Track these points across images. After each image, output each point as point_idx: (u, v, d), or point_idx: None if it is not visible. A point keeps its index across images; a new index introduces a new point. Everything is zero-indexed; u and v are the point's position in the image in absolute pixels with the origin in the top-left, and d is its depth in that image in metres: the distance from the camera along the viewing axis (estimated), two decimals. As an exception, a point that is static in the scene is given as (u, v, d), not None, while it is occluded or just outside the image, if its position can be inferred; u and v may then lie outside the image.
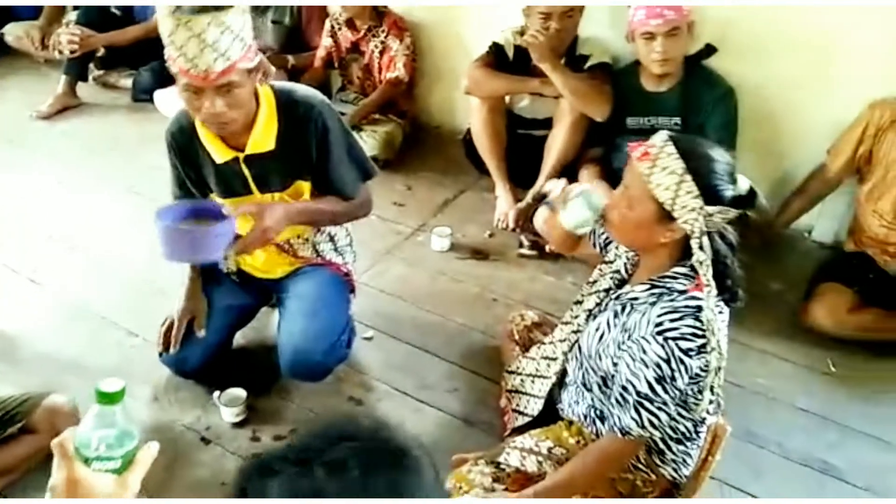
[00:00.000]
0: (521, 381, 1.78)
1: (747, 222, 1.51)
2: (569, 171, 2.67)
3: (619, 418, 1.41)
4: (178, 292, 2.01)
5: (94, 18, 3.65)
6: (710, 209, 1.32)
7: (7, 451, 1.68)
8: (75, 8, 3.98)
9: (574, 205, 1.54)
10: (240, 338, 2.14)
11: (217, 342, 2.00)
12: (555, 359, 1.68)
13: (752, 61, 2.57)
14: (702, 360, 1.33)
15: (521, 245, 2.68)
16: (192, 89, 1.60)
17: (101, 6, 3.81)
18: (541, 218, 2.50)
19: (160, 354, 1.99)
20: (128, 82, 3.82)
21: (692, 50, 2.49)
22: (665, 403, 1.36)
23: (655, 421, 1.38)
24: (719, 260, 1.38)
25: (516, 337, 1.98)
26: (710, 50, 2.50)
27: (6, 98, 3.81)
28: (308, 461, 0.65)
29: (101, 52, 3.78)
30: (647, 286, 1.42)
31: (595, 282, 1.62)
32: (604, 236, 1.65)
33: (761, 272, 2.49)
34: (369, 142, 3.11)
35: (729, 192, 1.34)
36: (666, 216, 1.34)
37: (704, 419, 1.47)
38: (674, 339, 1.33)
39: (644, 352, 1.35)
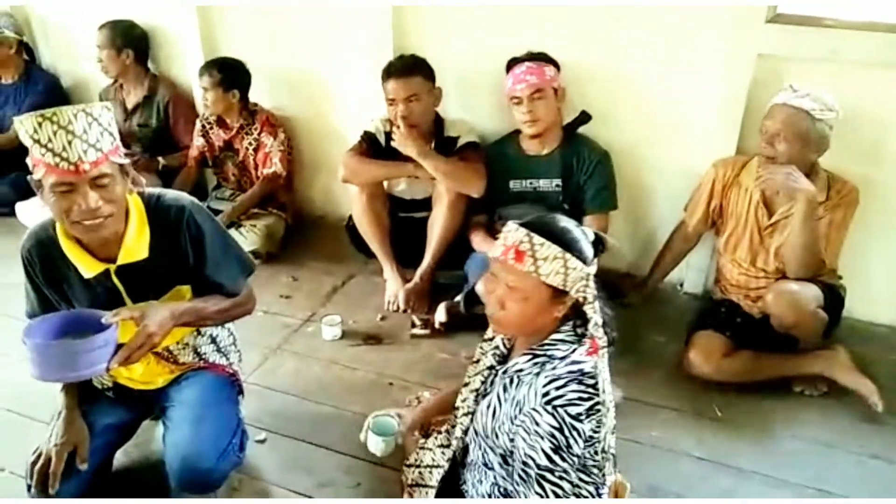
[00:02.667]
0: (420, 473, 1.74)
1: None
2: (455, 245, 2.76)
3: (524, 494, 1.41)
4: (47, 418, 1.86)
5: (-57, 133, 3.47)
6: (591, 270, 1.41)
7: None
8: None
9: (370, 440, 1.80)
10: (121, 456, 1.98)
11: (95, 466, 1.83)
12: (448, 446, 1.67)
13: (614, 127, 2.76)
14: (592, 422, 1.36)
15: (413, 325, 2.67)
16: (63, 187, 1.52)
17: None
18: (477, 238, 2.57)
19: (28, 488, 1.80)
20: (-16, 196, 3.61)
21: (568, 118, 2.67)
22: (566, 472, 1.37)
23: (559, 491, 1.38)
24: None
25: (415, 420, 1.94)
26: (584, 117, 2.68)
27: None
28: None
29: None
30: (529, 356, 1.46)
31: (478, 361, 1.63)
32: None
33: (643, 327, 2.62)
34: (249, 236, 3.08)
35: (590, 247, 1.43)
36: (558, 294, 1.40)
37: (605, 481, 1.49)
38: (562, 406, 1.36)
39: (537, 423, 1.37)
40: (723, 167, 2.45)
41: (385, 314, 2.78)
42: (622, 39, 2.65)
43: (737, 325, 2.39)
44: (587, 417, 1.36)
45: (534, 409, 1.38)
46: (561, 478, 1.38)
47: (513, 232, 1.40)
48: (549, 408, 1.36)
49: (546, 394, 1.37)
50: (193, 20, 3.28)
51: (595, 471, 1.44)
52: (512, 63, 2.59)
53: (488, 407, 1.52)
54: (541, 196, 2.66)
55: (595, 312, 1.42)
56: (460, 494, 1.65)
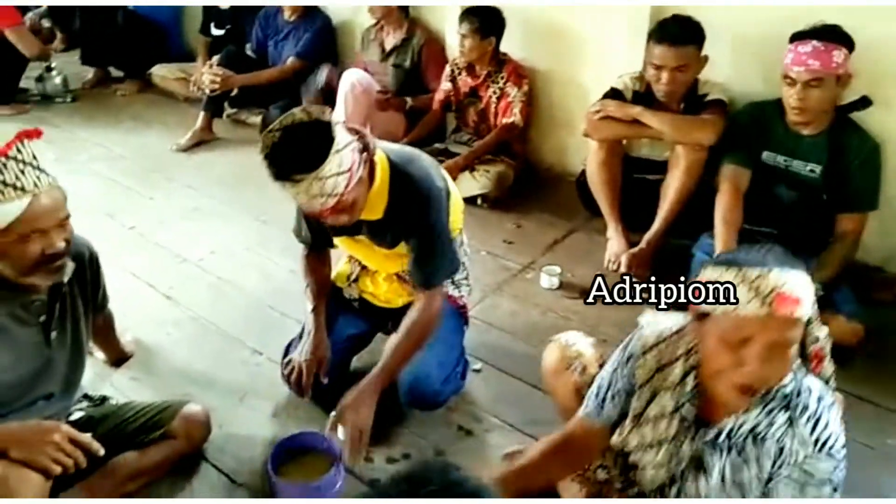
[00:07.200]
0: None
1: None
2: (688, 212, 2.66)
3: None
4: (298, 315, 2.11)
5: (234, 61, 3.96)
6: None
7: (149, 455, 1.80)
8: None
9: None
10: (355, 361, 2.22)
11: (336, 367, 2.08)
12: None
13: (885, 113, 2.45)
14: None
15: (631, 287, 2.65)
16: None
17: (239, 50, 4.13)
18: None
19: (282, 374, 2.09)
20: (257, 120, 4.10)
21: (846, 100, 2.37)
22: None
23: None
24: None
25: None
26: (865, 102, 2.36)
27: (150, 132, 4.18)
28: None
29: (234, 91, 4.07)
30: (758, 409, 1.30)
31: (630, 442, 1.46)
32: (611, 404, 1.51)
33: (890, 327, 2.37)
34: (481, 181, 3.21)
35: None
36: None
37: None
38: (834, 445, 1.26)
39: (811, 474, 1.26)
40: None
41: (604, 272, 2.79)
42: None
43: None
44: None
45: (807, 458, 1.26)
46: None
47: (773, 274, 1.16)
48: (824, 454, 1.26)
49: (817, 440, 1.26)
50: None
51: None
52: (797, 37, 2.27)
53: (722, 481, 1.34)
54: (793, 178, 2.42)
55: (821, 325, 1.33)
56: None
